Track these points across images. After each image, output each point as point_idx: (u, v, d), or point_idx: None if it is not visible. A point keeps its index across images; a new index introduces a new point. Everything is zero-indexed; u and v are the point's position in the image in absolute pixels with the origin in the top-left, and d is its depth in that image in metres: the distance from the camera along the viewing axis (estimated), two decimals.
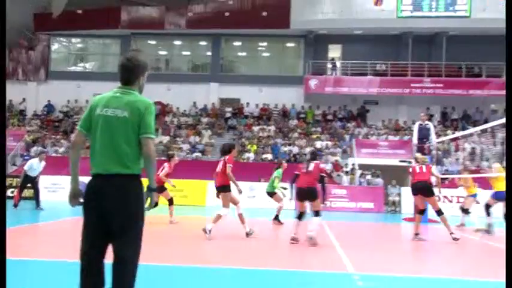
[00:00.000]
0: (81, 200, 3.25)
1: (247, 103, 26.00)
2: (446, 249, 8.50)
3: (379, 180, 19.07)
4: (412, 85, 24.33)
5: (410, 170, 9.83)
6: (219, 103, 26.54)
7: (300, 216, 8.18)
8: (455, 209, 14.52)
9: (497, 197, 10.71)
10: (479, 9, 24.11)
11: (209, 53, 27.40)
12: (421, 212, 9.77)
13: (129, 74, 3.35)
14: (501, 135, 20.14)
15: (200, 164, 20.16)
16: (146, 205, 3.27)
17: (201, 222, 9.64)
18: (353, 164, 20.14)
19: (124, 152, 3.18)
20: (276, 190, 11.71)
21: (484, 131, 18.57)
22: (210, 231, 8.24)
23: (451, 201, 17.03)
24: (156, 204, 3.68)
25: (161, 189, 10.31)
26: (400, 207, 18.22)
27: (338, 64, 27.10)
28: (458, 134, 17.40)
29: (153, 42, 28.27)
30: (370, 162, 20.30)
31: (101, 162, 3.20)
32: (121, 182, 3.16)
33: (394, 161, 20.27)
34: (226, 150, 8.73)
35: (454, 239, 9.07)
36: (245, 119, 25.17)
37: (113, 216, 3.13)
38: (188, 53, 28.52)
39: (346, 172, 19.74)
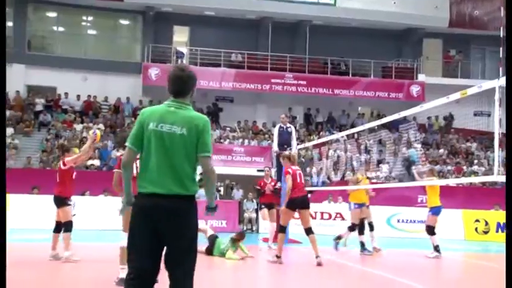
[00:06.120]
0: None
1: (66, 93, 24.95)
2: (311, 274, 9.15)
3: (238, 193, 19.77)
4: (272, 81, 25.73)
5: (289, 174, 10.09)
6: (26, 91, 25.24)
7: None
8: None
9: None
10: None
11: (10, 24, 25.57)
12: (283, 229, 10.26)
13: (184, 86, 3.83)
14: (368, 142, 22.40)
15: None
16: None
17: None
18: (201, 174, 20.56)
19: (185, 172, 3.75)
20: None
21: (350, 137, 20.49)
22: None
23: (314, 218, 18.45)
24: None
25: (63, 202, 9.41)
26: (257, 226, 19.15)
27: (185, 51, 27.51)
28: (324, 139, 18.89)
29: None
30: (223, 172, 20.89)
31: (160, 181, 3.69)
32: (181, 203, 3.72)
33: (252, 171, 21.15)
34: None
35: (319, 263, 9.65)
36: (63, 114, 24.27)
37: (172, 239, 3.68)
38: None
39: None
